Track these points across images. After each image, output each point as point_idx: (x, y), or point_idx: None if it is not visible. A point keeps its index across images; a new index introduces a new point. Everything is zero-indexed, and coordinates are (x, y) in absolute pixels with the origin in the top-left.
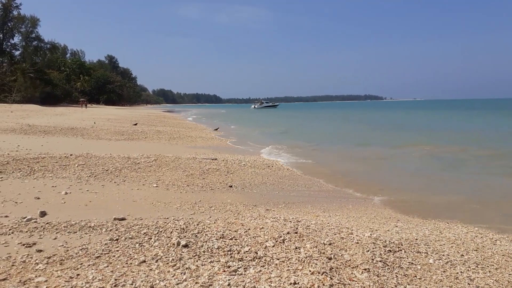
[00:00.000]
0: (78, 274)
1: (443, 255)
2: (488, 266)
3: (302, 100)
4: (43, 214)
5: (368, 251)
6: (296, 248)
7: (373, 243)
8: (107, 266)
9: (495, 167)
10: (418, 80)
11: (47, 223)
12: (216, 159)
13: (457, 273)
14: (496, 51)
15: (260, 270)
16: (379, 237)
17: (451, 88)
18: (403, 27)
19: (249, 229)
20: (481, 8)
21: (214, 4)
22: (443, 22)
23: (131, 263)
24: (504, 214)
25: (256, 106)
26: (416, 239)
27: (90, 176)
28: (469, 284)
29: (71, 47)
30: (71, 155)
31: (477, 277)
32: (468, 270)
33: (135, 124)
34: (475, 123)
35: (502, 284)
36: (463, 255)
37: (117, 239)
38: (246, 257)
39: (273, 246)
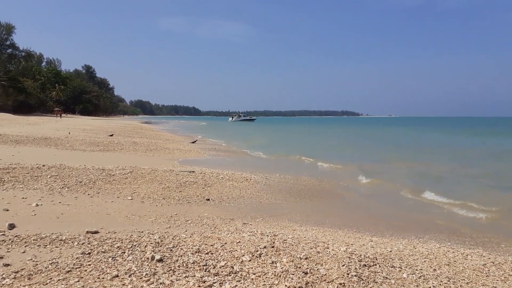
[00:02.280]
0: None
1: (417, 270)
2: (459, 281)
3: (281, 115)
4: (11, 226)
5: (344, 265)
6: (273, 262)
7: (349, 257)
8: (78, 281)
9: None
10: (393, 97)
11: (16, 236)
12: (193, 171)
13: (430, 287)
14: (470, 70)
15: (236, 285)
16: (355, 251)
17: (423, 105)
18: (379, 47)
19: (225, 243)
20: (455, 28)
21: (195, 18)
22: (415, 42)
23: (103, 278)
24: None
25: (233, 119)
26: (391, 254)
27: (63, 187)
28: None
29: (47, 55)
30: (43, 165)
31: None
32: (440, 284)
33: (111, 135)
34: (443, 140)
35: None
36: (435, 270)
37: (89, 253)
38: (222, 271)
39: (250, 260)
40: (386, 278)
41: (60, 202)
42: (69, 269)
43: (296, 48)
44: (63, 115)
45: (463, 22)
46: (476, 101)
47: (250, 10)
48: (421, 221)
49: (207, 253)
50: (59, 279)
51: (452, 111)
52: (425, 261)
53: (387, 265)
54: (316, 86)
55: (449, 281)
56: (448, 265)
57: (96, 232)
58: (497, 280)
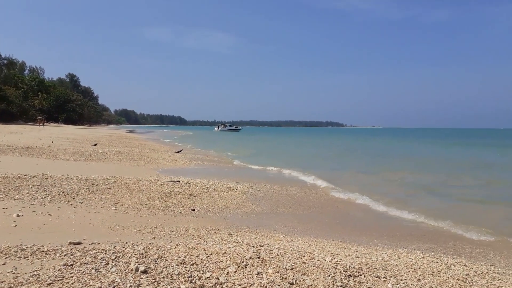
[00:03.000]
0: None
1: (401, 280)
2: None
3: (267, 125)
4: None
5: (329, 276)
6: (259, 273)
7: (334, 267)
8: None
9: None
10: (376, 108)
11: None
12: (178, 181)
13: None
14: (452, 83)
15: None
16: (340, 261)
17: (406, 116)
18: (363, 59)
19: (211, 254)
20: (438, 41)
21: (181, 28)
22: (399, 54)
23: None
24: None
25: (219, 129)
26: (376, 264)
27: (45, 197)
28: None
29: (29, 63)
30: (25, 175)
31: None
32: None
33: (95, 145)
34: (429, 151)
35: None
36: (419, 280)
37: (71, 265)
38: (207, 283)
39: (235, 271)
40: None
41: (42, 213)
42: (50, 281)
43: (281, 59)
44: (46, 124)
45: (446, 36)
46: (458, 113)
47: (236, 21)
48: (405, 231)
49: (192, 264)
50: None
51: (435, 123)
52: (409, 271)
53: (372, 275)
54: (301, 97)
55: None
56: (432, 275)
57: (79, 243)
58: None
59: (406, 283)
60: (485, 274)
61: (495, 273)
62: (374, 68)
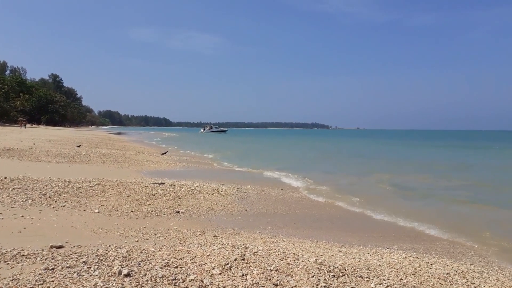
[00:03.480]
0: None
1: (384, 280)
2: None
3: (253, 126)
4: None
5: (313, 276)
6: (243, 275)
7: (318, 268)
8: None
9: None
10: (361, 110)
11: None
12: (163, 183)
13: None
14: (437, 85)
15: None
16: (324, 262)
17: (390, 118)
18: (348, 61)
19: (195, 256)
20: (422, 44)
21: (167, 29)
22: (383, 57)
23: None
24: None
25: (204, 131)
26: (359, 264)
27: (26, 200)
28: None
29: (11, 63)
30: (5, 177)
31: None
32: None
33: (78, 146)
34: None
35: None
36: (402, 279)
37: (53, 269)
38: (191, 285)
39: (220, 273)
40: None
41: (22, 216)
42: (31, 286)
43: (268, 61)
44: (27, 125)
45: (429, 39)
46: (442, 115)
47: (222, 23)
48: (388, 231)
49: (176, 267)
50: None
51: (419, 125)
52: (392, 271)
53: (355, 276)
54: (287, 99)
55: None
56: (414, 274)
57: (60, 247)
58: None
59: (389, 282)
60: (465, 273)
61: (474, 271)
62: (359, 70)
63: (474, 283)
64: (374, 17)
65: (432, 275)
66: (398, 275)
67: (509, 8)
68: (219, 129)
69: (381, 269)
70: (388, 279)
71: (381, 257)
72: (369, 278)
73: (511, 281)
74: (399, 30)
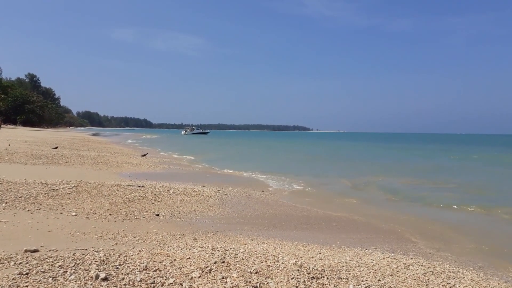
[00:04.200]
0: None
1: (362, 281)
2: None
3: (235, 128)
4: None
5: (293, 278)
6: (223, 278)
7: (298, 270)
8: None
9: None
10: (341, 113)
11: None
12: (143, 186)
13: None
14: (415, 89)
15: None
16: (304, 264)
17: (369, 121)
18: (330, 65)
19: (174, 259)
20: (402, 49)
21: (148, 29)
22: (365, 61)
23: None
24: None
25: (186, 132)
26: (338, 265)
27: None
28: None
29: None
30: None
31: None
32: None
33: (56, 148)
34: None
35: None
36: (380, 280)
37: (27, 273)
38: None
39: (199, 276)
40: None
41: None
42: None
43: (250, 63)
44: (2, 126)
45: (409, 44)
46: (422, 119)
47: (205, 24)
48: (367, 233)
49: (155, 271)
50: None
51: (397, 128)
52: (370, 272)
53: (334, 277)
54: (269, 101)
55: None
56: (392, 275)
57: (35, 251)
58: None
59: (367, 283)
60: (441, 273)
61: (450, 272)
62: (341, 74)
63: (449, 283)
64: (355, 21)
65: (409, 276)
66: (376, 276)
67: (483, 16)
68: (201, 131)
69: (360, 270)
70: (367, 280)
71: (360, 258)
72: (347, 279)
73: (485, 281)
74: (379, 35)
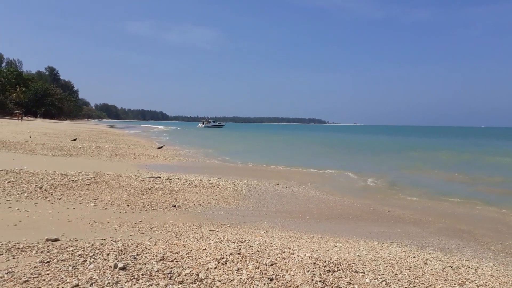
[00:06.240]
0: None
1: (379, 275)
2: (419, 285)
3: (250, 121)
4: None
5: (309, 271)
6: (239, 269)
7: (313, 263)
8: None
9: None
10: (358, 106)
11: None
12: (159, 177)
13: None
14: (431, 81)
15: None
16: (319, 257)
17: (386, 114)
18: (345, 57)
19: (191, 250)
20: (418, 40)
21: (163, 23)
22: (380, 53)
23: (62, 287)
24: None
25: (203, 125)
26: (354, 259)
27: (21, 193)
28: None
29: (7, 56)
30: (1, 170)
31: None
32: None
33: (74, 139)
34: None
35: None
36: (397, 274)
37: (48, 262)
38: (187, 279)
39: (215, 267)
40: (350, 283)
41: (18, 209)
42: (26, 279)
43: (264, 56)
44: (24, 118)
45: (426, 36)
46: (438, 111)
47: (220, 17)
48: (385, 226)
49: (172, 261)
50: None
51: (414, 121)
52: (387, 266)
53: (350, 271)
54: (284, 94)
55: (409, 285)
56: (409, 269)
57: (56, 240)
58: (455, 284)
59: (384, 277)
60: (459, 268)
61: (469, 267)
62: (356, 66)
63: (468, 279)
64: (370, 13)
65: (427, 271)
66: (393, 270)
67: (505, 5)
68: (217, 123)
69: (376, 264)
70: (383, 274)
71: (377, 252)
72: (364, 273)
73: (505, 277)
74: (395, 26)
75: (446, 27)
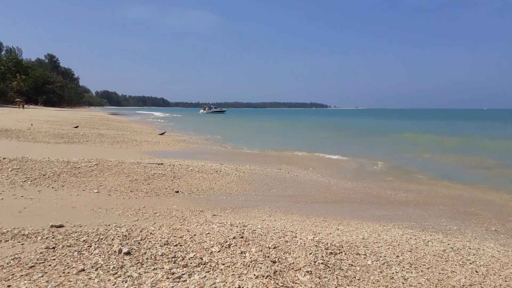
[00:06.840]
0: (9, 286)
1: (380, 257)
2: (420, 266)
3: (252, 106)
4: None
5: (311, 253)
6: (242, 252)
7: (316, 245)
8: (42, 276)
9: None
10: (359, 90)
11: None
12: (162, 164)
13: (393, 273)
14: (433, 64)
15: (205, 276)
16: (321, 240)
17: (388, 98)
18: (347, 41)
19: (194, 235)
20: (421, 23)
21: (162, 7)
22: (382, 36)
23: (68, 272)
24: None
25: (205, 111)
26: (356, 242)
27: (25, 181)
28: (403, 283)
29: (6, 44)
30: (4, 158)
31: (411, 276)
32: (402, 270)
33: (76, 127)
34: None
35: (432, 283)
36: (398, 256)
37: (53, 248)
38: (191, 263)
39: (219, 251)
40: (352, 265)
41: (22, 196)
42: (32, 264)
43: (265, 40)
44: (25, 106)
45: (429, 17)
46: (442, 94)
47: (219, 1)
48: (387, 210)
49: (175, 245)
50: (22, 275)
51: (417, 103)
52: (388, 248)
53: (352, 253)
54: (285, 79)
55: (411, 266)
56: (410, 251)
57: (61, 226)
58: (456, 265)
59: (385, 259)
60: (460, 250)
61: (470, 248)
62: (358, 50)
63: (469, 260)
64: None
65: (428, 252)
66: (395, 252)
67: None
68: (218, 109)
69: (378, 247)
70: (385, 256)
71: (378, 234)
72: (366, 255)
73: (506, 257)
74: (398, 9)
75: (449, 9)
